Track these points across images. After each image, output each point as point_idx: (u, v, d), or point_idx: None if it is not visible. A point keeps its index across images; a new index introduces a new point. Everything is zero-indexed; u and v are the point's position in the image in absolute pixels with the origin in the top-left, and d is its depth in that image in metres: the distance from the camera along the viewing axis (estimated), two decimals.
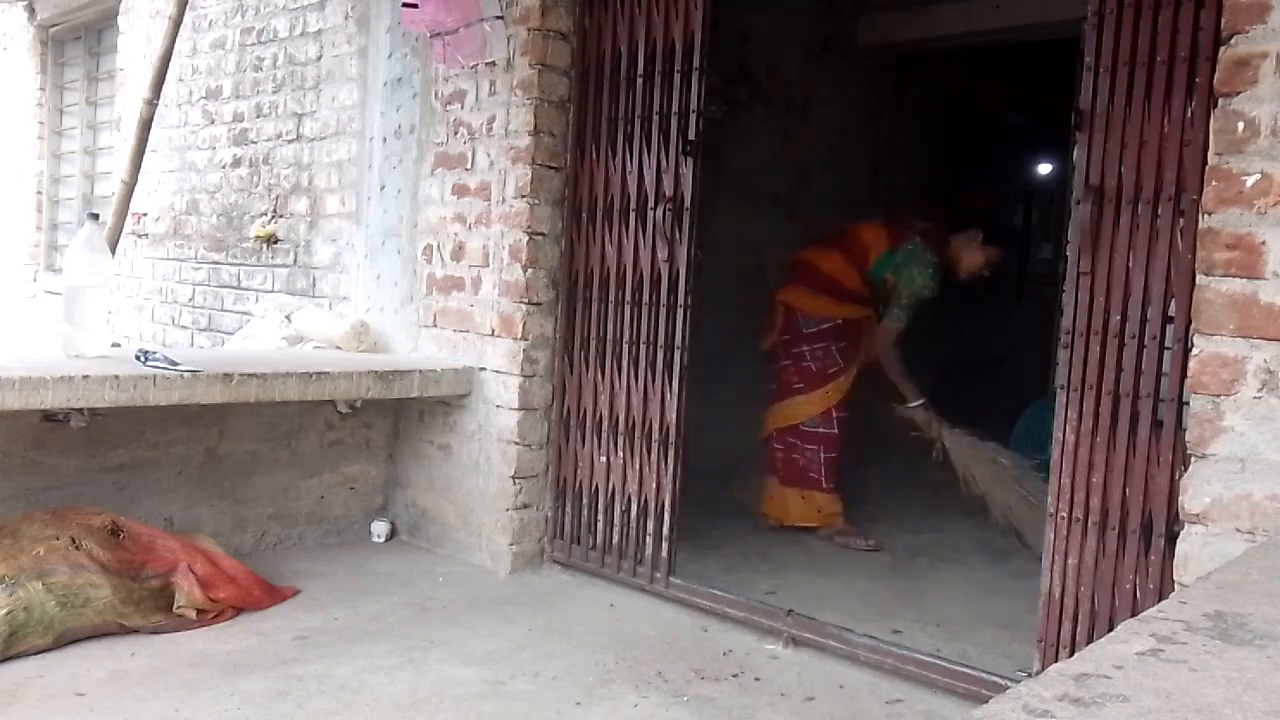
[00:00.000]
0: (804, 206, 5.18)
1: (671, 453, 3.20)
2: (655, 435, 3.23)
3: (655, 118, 3.22)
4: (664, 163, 3.20)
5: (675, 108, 3.17)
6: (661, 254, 3.20)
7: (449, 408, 3.62)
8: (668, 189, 3.19)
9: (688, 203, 3.15)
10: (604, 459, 3.36)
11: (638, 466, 3.27)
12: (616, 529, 3.33)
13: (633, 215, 3.29)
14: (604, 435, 3.36)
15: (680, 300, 3.17)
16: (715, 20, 3.17)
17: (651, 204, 3.24)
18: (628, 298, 3.30)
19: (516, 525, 3.44)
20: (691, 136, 3.14)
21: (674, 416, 3.19)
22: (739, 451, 4.19)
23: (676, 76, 3.17)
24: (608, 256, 3.35)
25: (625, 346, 3.30)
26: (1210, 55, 2.11)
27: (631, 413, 3.29)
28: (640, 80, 3.26)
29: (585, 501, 3.42)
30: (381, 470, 3.86)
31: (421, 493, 3.76)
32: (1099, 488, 2.31)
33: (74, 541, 2.74)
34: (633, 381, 3.28)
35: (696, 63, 3.12)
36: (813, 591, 3.29)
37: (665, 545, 3.21)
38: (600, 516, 3.38)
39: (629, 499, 3.30)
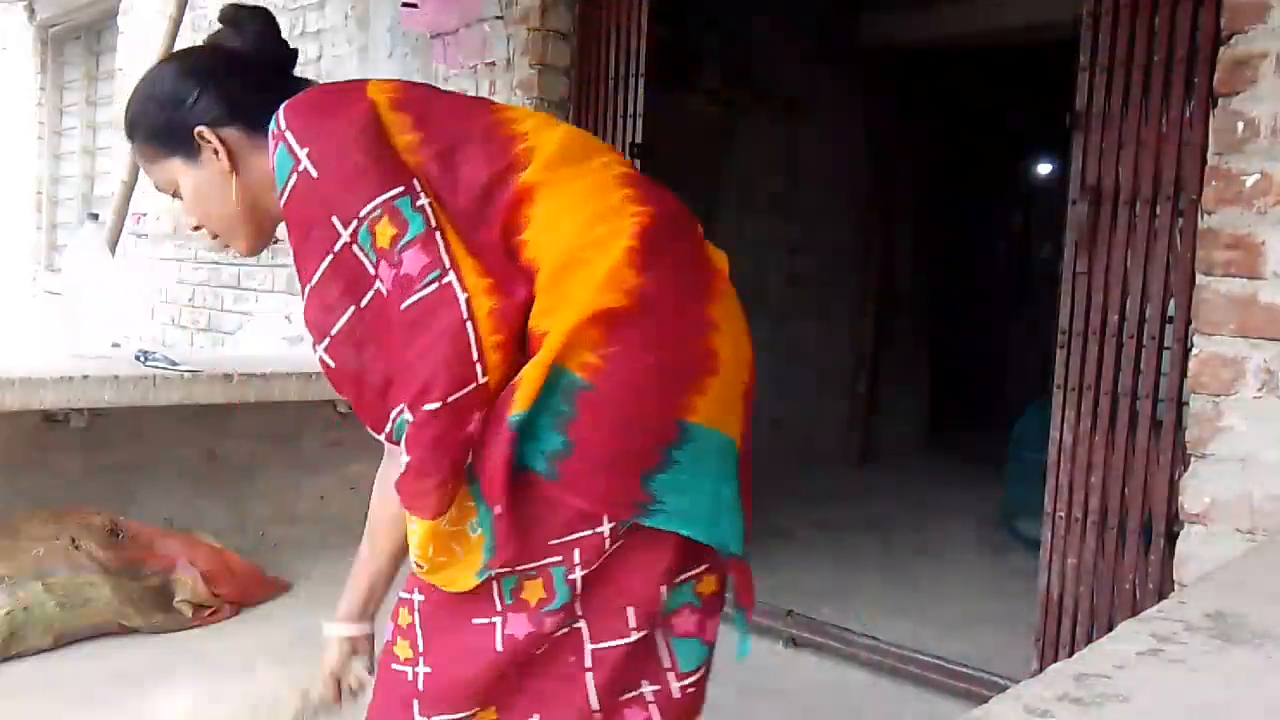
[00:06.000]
0: (803, 207, 5.19)
1: None
2: None
3: (621, 120, 3.32)
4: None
5: (630, 110, 3.29)
6: None
7: None
8: None
9: None
10: None
11: None
12: None
13: None
14: None
15: None
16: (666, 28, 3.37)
17: None
18: None
19: None
20: (636, 140, 3.27)
21: None
22: None
23: (630, 80, 3.29)
24: None
25: None
26: (1209, 55, 2.11)
27: None
28: (611, 82, 3.34)
29: None
30: None
31: None
32: (1098, 488, 2.31)
33: (74, 541, 2.74)
34: None
35: (641, 69, 3.26)
36: (812, 591, 3.29)
37: None
38: None
39: None
